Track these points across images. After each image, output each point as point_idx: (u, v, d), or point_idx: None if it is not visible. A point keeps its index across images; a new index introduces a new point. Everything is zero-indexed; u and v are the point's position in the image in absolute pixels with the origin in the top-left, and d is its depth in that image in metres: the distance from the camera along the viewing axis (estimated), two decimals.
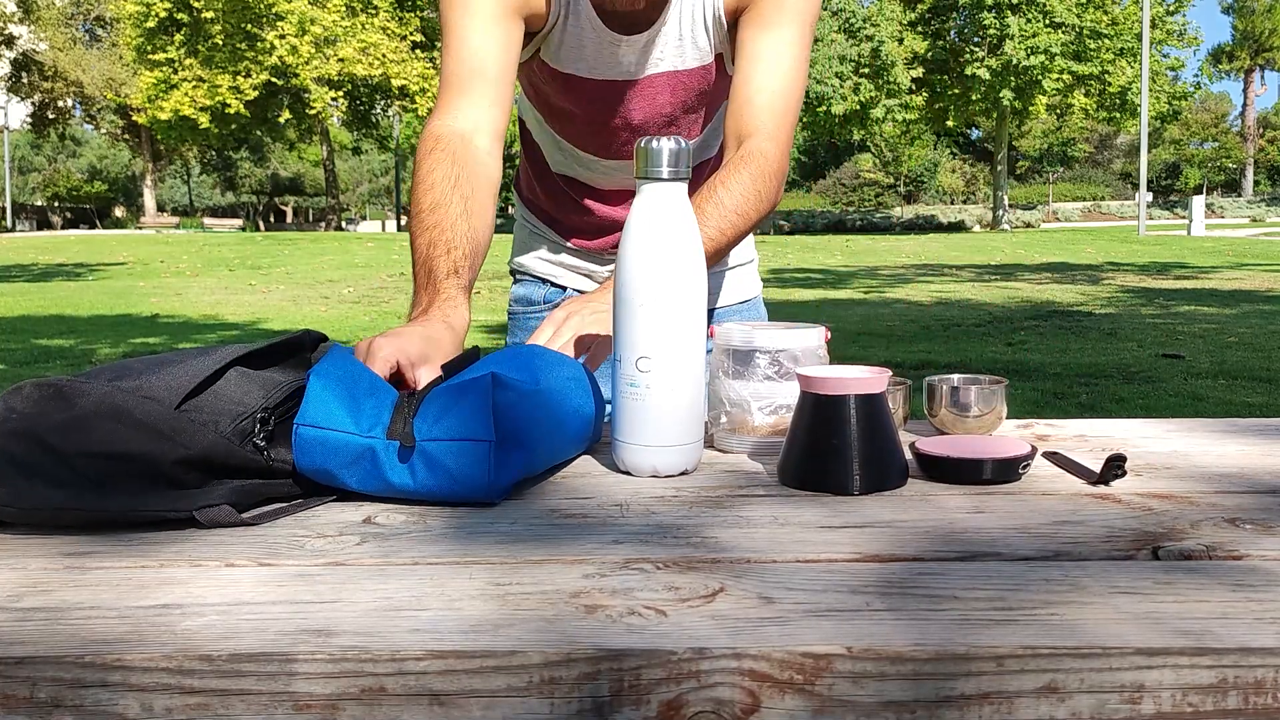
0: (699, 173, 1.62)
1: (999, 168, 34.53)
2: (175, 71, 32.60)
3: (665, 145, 1.01)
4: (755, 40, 1.37)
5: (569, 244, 1.63)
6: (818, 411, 0.98)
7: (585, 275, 1.64)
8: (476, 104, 1.31)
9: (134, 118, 36.94)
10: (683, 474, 1.04)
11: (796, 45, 1.38)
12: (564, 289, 1.64)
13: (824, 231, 30.72)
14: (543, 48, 1.42)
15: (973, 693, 0.61)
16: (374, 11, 33.13)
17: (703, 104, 1.51)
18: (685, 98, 1.48)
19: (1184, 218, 33.15)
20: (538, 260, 1.66)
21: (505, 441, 0.91)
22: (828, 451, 0.97)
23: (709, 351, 1.09)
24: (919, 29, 32.35)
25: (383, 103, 36.63)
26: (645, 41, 1.42)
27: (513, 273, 1.71)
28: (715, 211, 1.29)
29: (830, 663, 0.61)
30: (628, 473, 1.04)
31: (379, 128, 39.45)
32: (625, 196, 1.57)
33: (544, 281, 1.65)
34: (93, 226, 49.66)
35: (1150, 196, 48.01)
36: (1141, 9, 28.03)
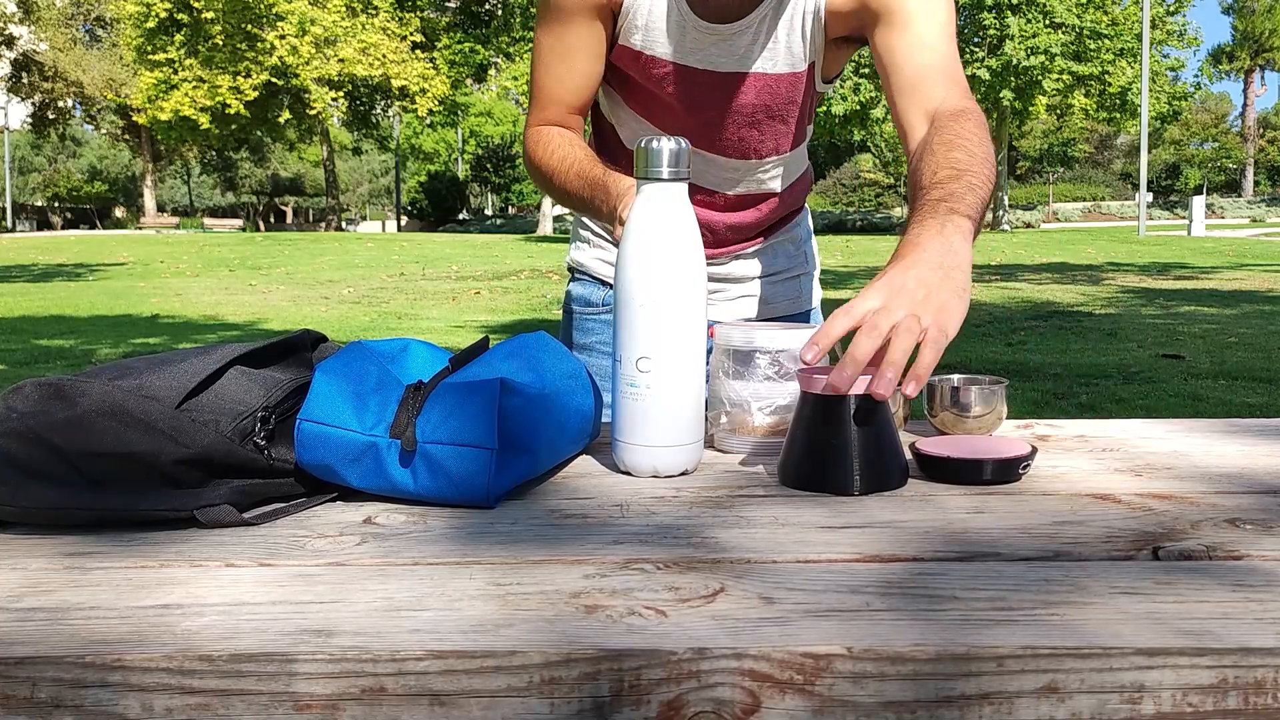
0: (792, 194, 1.59)
1: (999, 168, 34.46)
2: (175, 72, 32.59)
3: (665, 145, 1.01)
4: (906, 28, 1.29)
5: None
6: (818, 411, 0.98)
7: None
8: (563, 114, 1.47)
9: (134, 118, 36.91)
10: (683, 474, 1.04)
11: (950, 26, 1.31)
12: None
13: (824, 232, 30.68)
14: (624, 28, 1.40)
15: (973, 693, 0.61)
16: (374, 12, 33.10)
17: (791, 115, 1.48)
18: (771, 102, 1.45)
19: (1184, 218, 33.14)
20: (598, 261, 1.63)
21: (508, 447, 0.91)
22: (828, 451, 0.97)
23: (709, 351, 1.09)
24: None
25: (383, 103, 36.62)
26: (732, 34, 1.38)
27: (570, 270, 1.68)
28: (970, 163, 1.15)
29: (830, 663, 0.61)
30: (628, 473, 1.04)
31: (379, 128, 39.46)
32: (696, 194, 1.50)
33: (602, 284, 1.62)
34: (93, 227, 49.69)
35: (1150, 197, 47.99)
36: (1141, 9, 28.03)
